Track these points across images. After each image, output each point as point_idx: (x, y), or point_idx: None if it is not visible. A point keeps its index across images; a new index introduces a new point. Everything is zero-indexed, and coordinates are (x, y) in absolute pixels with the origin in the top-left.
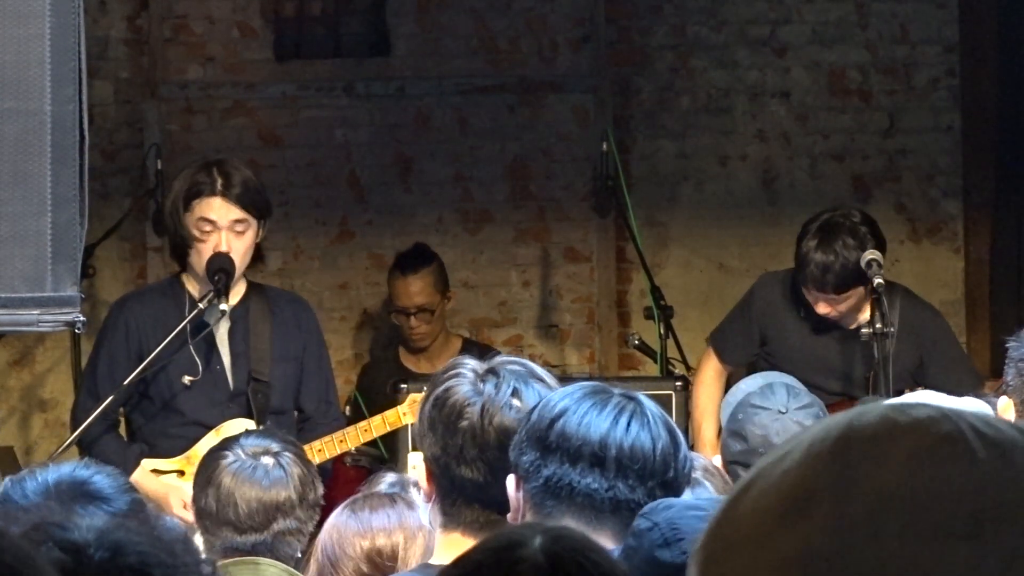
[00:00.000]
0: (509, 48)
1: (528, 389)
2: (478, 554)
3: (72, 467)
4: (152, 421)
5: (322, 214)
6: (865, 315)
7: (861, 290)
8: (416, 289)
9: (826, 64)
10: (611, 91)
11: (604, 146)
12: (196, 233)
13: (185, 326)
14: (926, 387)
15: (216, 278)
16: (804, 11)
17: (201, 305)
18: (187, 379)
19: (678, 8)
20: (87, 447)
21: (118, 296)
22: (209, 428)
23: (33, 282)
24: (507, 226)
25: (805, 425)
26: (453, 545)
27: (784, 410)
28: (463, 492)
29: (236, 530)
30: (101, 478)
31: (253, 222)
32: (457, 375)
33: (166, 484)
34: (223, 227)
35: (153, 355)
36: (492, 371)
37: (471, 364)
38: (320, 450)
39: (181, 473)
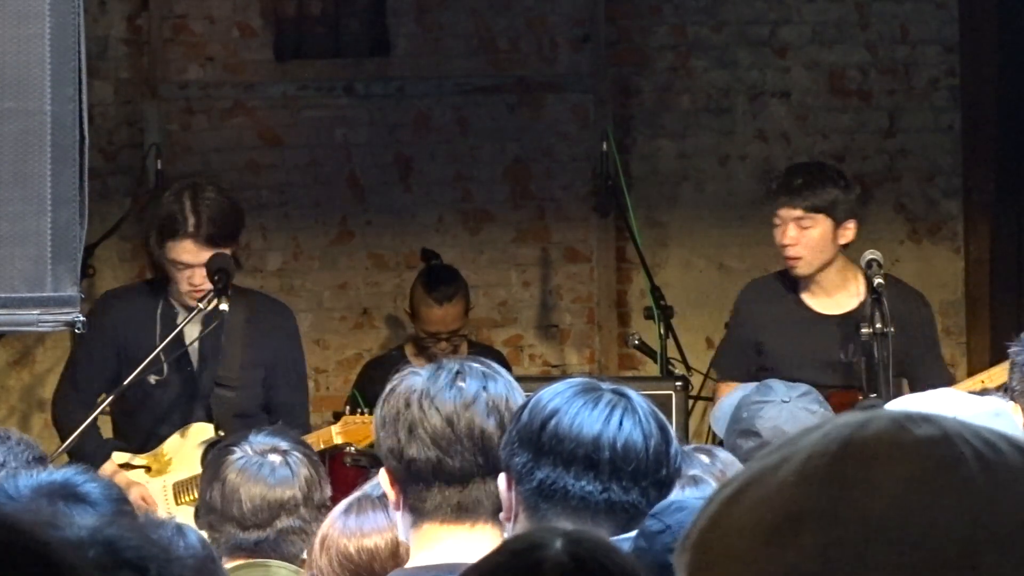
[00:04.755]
0: (509, 48)
1: (472, 372)
2: (499, 557)
3: (69, 471)
4: (125, 415)
5: (322, 214)
6: (833, 277)
7: (828, 225)
8: (451, 317)
9: (826, 64)
10: (611, 91)
11: (604, 146)
12: (171, 269)
13: (156, 326)
14: (907, 378)
15: (216, 278)
16: (804, 11)
17: (201, 306)
18: (152, 378)
19: (678, 8)
20: (66, 434)
21: None
22: (175, 427)
23: (33, 282)
24: (507, 226)
25: (812, 410)
26: (426, 536)
27: (787, 399)
28: (421, 476)
29: (240, 526)
30: (93, 486)
31: (227, 250)
32: (406, 374)
33: (128, 479)
34: (196, 266)
35: (153, 355)
36: (438, 364)
37: (422, 367)
38: None
39: (148, 469)
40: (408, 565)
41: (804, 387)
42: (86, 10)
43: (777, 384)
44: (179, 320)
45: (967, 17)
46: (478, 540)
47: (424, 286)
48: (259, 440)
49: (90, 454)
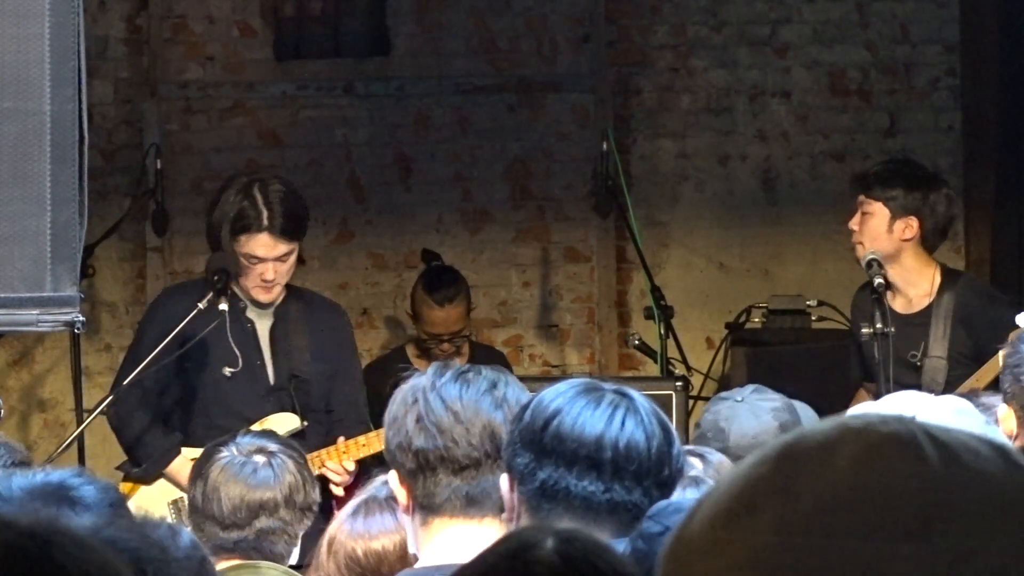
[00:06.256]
0: (509, 48)
1: (478, 371)
2: (490, 557)
3: (66, 473)
4: (192, 411)
5: (322, 214)
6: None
7: (884, 215)
8: (452, 319)
9: (826, 64)
10: (611, 91)
11: (604, 146)
12: (244, 263)
13: (224, 320)
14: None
15: (216, 278)
16: (804, 11)
17: (200, 306)
18: (228, 370)
19: (678, 8)
20: (127, 435)
21: (118, 296)
22: (248, 420)
23: (33, 282)
24: (507, 226)
25: (758, 414)
26: (435, 532)
27: (741, 399)
28: (429, 465)
29: (219, 525)
30: (89, 488)
31: (296, 245)
32: (411, 375)
33: None
34: (270, 260)
35: (158, 350)
36: (443, 364)
37: (424, 368)
38: (318, 456)
39: None
40: (417, 565)
41: (776, 396)
42: (86, 10)
43: (749, 387)
44: (248, 312)
45: (967, 17)
46: (486, 535)
47: (425, 288)
48: (247, 441)
49: (156, 450)
